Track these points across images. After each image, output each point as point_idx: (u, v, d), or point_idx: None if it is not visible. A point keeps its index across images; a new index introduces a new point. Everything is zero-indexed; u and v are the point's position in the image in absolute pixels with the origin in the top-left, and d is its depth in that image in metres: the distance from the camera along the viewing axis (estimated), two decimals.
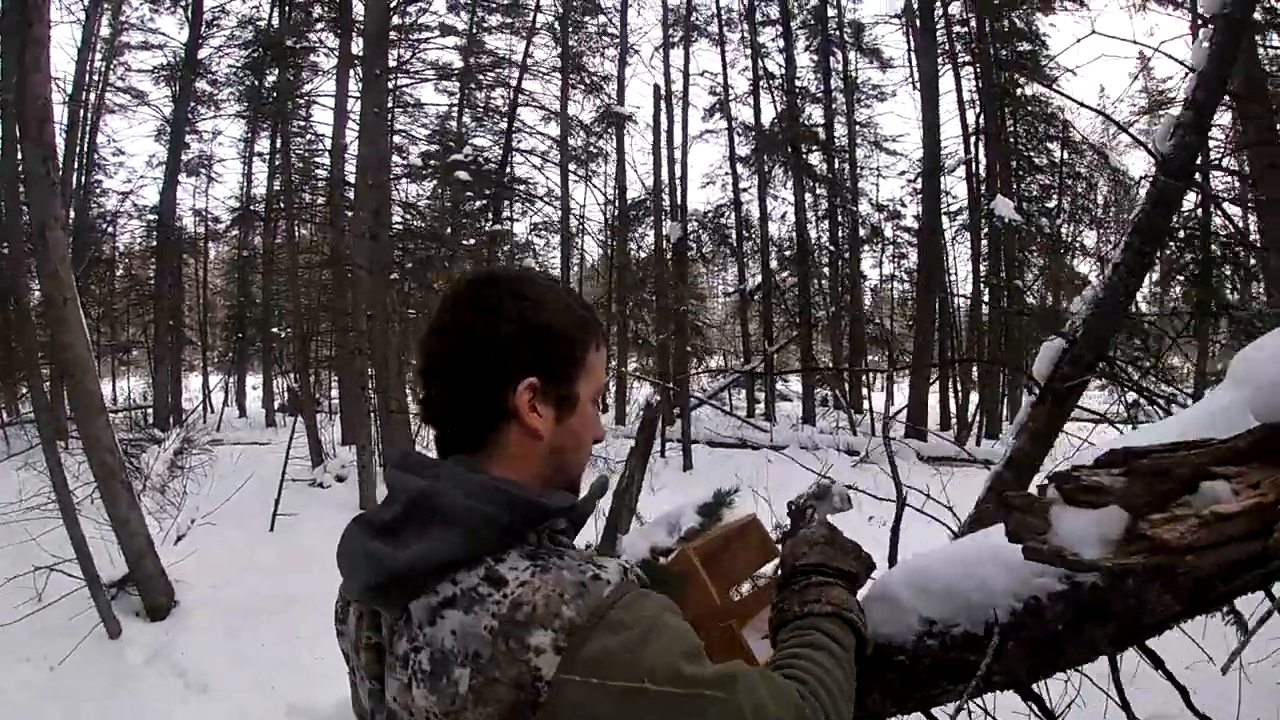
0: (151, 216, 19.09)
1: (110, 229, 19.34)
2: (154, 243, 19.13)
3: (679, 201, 19.03)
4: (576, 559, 0.94)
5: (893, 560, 1.60)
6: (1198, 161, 2.97)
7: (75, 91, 16.66)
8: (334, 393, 17.01)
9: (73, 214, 15.66)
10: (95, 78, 17.85)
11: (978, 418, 16.92)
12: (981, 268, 18.32)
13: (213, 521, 7.70)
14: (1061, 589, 1.26)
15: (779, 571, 1.56)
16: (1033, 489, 1.05)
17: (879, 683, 1.31)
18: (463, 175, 12.70)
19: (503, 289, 1.04)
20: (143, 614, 6.23)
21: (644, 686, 0.84)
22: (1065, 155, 18.04)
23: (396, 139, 16.22)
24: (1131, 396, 4.38)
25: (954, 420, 18.28)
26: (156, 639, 5.90)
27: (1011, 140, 17.81)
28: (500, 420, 1.02)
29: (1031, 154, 18.44)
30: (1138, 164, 21.45)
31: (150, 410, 16.25)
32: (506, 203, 18.48)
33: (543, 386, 1.02)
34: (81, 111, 17.26)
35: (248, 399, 23.27)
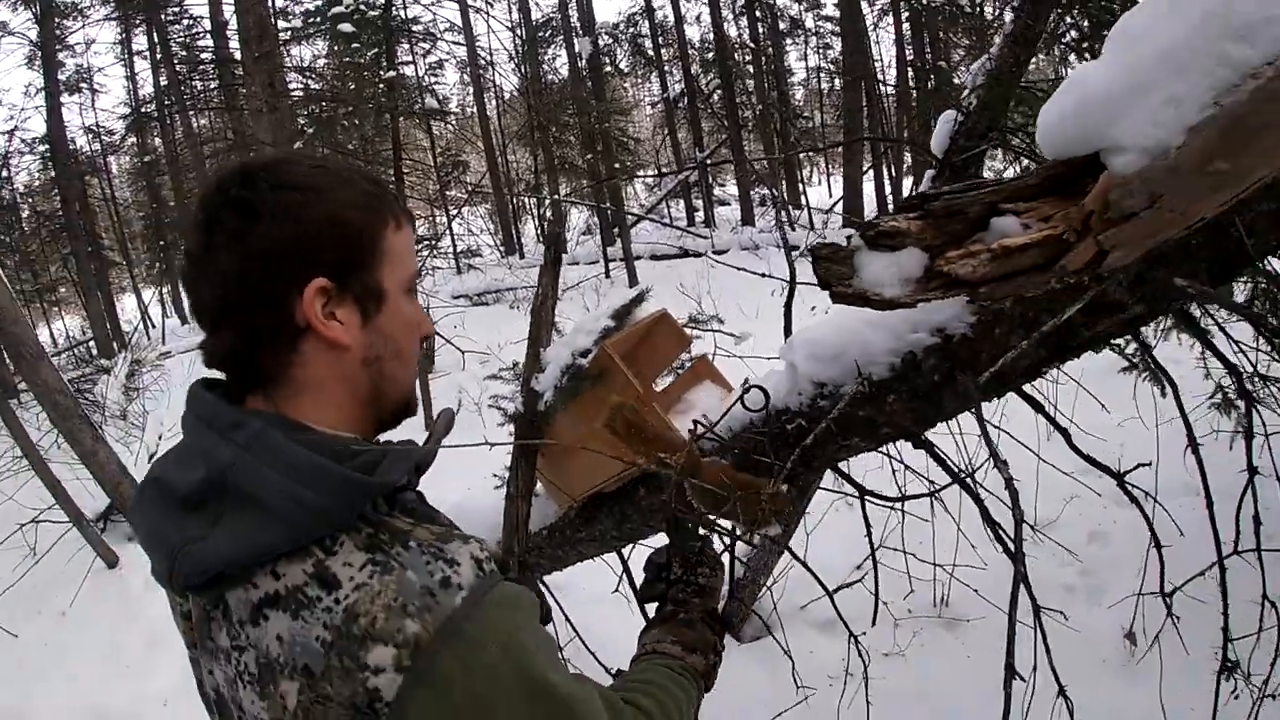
0: (43, 147, 17.72)
1: (4, 171, 17.90)
2: (52, 173, 17.79)
3: (587, 17, 18.20)
4: (424, 547, 0.79)
5: (788, 333, 1.70)
6: None
7: None
8: None
9: None
10: None
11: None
12: (906, 51, 17.91)
13: (179, 432, 7.75)
14: (934, 342, 1.33)
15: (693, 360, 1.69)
16: (841, 239, 1.06)
17: (786, 449, 1.42)
18: (346, 27, 11.91)
19: (260, 184, 0.84)
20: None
21: (496, 707, 0.75)
22: None
23: (280, 2, 15.18)
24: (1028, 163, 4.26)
25: (890, 205, 18.41)
26: (121, 584, 6.00)
27: None
28: (295, 342, 0.85)
29: None
30: None
31: (92, 342, 15.75)
32: (405, 46, 17.53)
33: (335, 287, 0.85)
34: None
35: (185, 304, 22.56)
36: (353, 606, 0.74)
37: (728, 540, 1.45)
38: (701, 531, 1.38)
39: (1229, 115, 0.80)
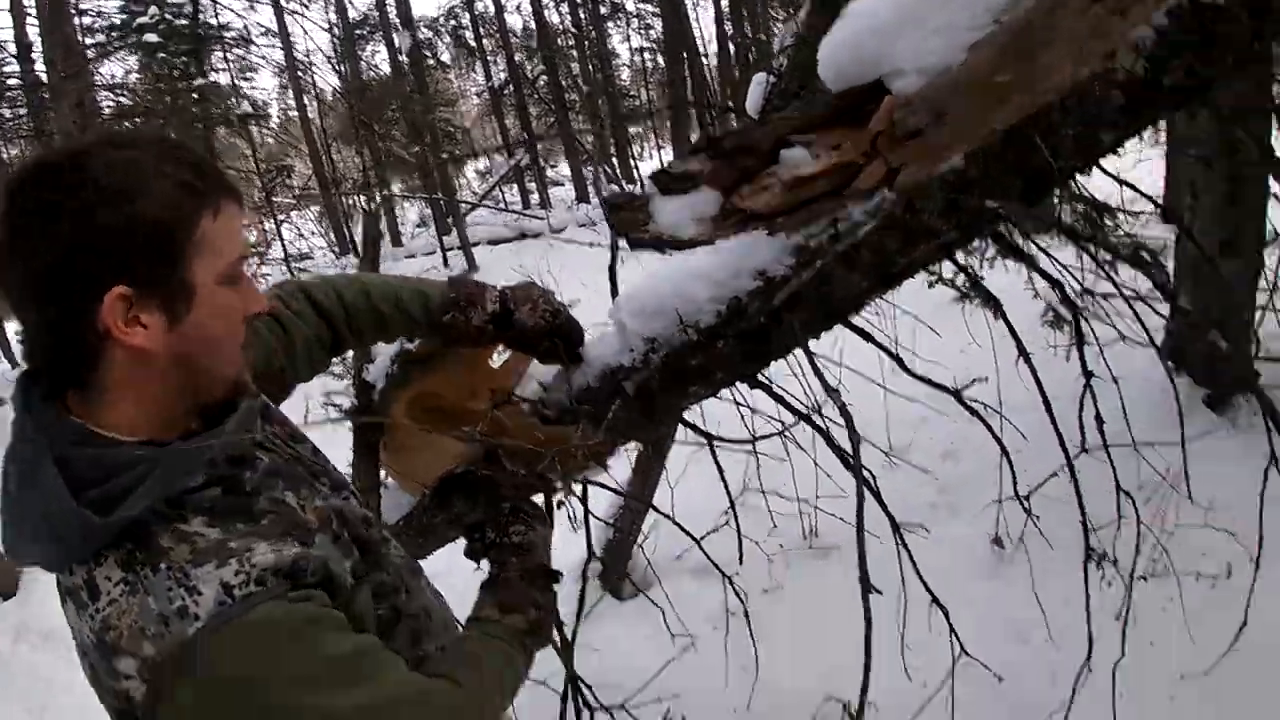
0: None
1: None
2: None
3: (405, 11, 17.80)
4: (172, 571, 0.80)
5: (614, 294, 1.69)
6: None
7: None
8: None
9: None
10: None
11: None
12: (727, 28, 18.32)
13: None
14: (757, 285, 1.32)
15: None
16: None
17: (624, 407, 1.42)
18: (152, 38, 11.26)
19: (60, 180, 0.79)
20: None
21: None
22: None
23: (86, 19, 14.12)
24: None
25: None
26: (16, 616, 5.60)
27: None
28: (98, 349, 0.82)
29: None
30: None
31: None
32: (219, 54, 16.64)
33: (136, 293, 0.80)
34: None
35: (14, 347, 20.73)
36: (107, 619, 0.80)
37: (555, 495, 1.44)
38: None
39: (1009, 30, 0.86)
